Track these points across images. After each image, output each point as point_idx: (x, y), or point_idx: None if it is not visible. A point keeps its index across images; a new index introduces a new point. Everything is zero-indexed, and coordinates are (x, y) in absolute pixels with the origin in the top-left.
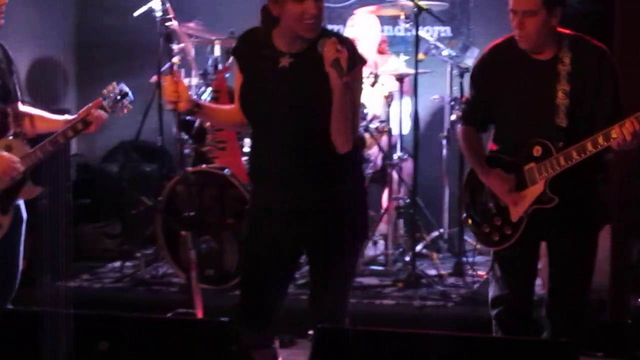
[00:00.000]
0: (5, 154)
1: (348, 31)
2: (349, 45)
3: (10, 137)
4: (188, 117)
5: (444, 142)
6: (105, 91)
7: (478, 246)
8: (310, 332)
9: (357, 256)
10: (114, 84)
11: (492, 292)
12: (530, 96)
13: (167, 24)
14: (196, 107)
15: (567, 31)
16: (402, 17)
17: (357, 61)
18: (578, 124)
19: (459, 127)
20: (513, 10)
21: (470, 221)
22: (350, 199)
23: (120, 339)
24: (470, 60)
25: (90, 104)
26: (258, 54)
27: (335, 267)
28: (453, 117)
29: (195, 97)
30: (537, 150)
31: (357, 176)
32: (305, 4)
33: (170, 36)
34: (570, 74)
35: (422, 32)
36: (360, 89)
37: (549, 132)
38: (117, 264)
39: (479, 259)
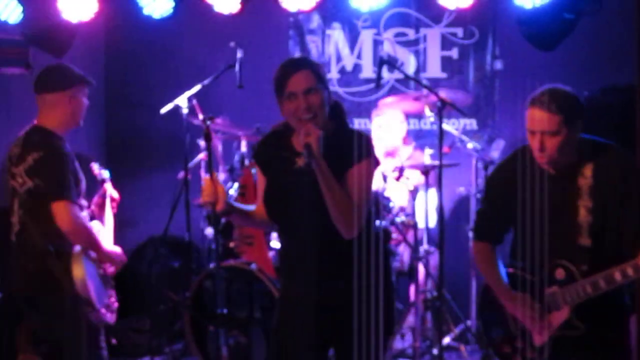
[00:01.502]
0: None
1: (374, 124)
2: (363, 140)
3: None
4: (222, 219)
5: (470, 234)
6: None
7: None
8: None
9: (383, 351)
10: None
11: None
12: (551, 213)
13: (207, 122)
14: (231, 209)
15: (589, 137)
16: (428, 112)
17: (362, 155)
18: (603, 242)
19: (472, 242)
20: (531, 131)
21: (488, 337)
22: (375, 293)
23: None
24: (495, 152)
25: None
26: (277, 156)
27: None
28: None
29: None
30: (559, 274)
31: (382, 269)
32: (297, 101)
33: (209, 134)
34: (592, 188)
35: (447, 125)
36: (364, 182)
37: (571, 252)
38: (147, 359)
39: None
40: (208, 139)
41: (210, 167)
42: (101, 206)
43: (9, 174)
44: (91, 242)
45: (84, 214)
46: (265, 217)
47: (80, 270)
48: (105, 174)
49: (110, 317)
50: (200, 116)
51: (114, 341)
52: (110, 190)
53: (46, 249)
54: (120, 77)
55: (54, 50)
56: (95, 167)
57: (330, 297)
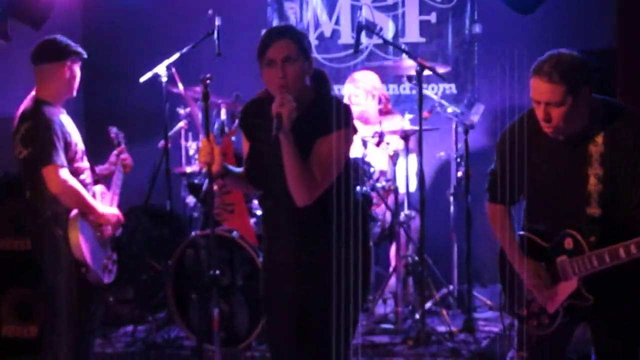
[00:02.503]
0: None
1: (347, 88)
2: (341, 108)
3: None
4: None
5: (451, 198)
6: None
7: (488, 302)
8: None
9: (356, 317)
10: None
11: None
12: (560, 181)
13: (206, 81)
14: (226, 170)
15: (600, 99)
16: (406, 76)
17: (340, 125)
18: (612, 212)
19: (487, 203)
20: (535, 101)
21: (508, 303)
22: (352, 256)
23: None
24: (475, 116)
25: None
26: (259, 123)
27: (329, 327)
28: (459, 173)
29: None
30: (568, 243)
31: (360, 235)
32: (275, 68)
33: (207, 94)
34: (603, 156)
35: (427, 91)
36: (338, 152)
37: (580, 222)
38: (130, 328)
39: (489, 314)
40: (206, 99)
41: (207, 128)
42: (114, 163)
43: (14, 144)
44: (82, 204)
45: (84, 177)
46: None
47: (75, 234)
48: (121, 137)
49: (107, 278)
50: (180, 85)
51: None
52: (124, 156)
53: (45, 214)
54: (98, 48)
55: (32, 22)
56: (113, 130)
57: (309, 259)
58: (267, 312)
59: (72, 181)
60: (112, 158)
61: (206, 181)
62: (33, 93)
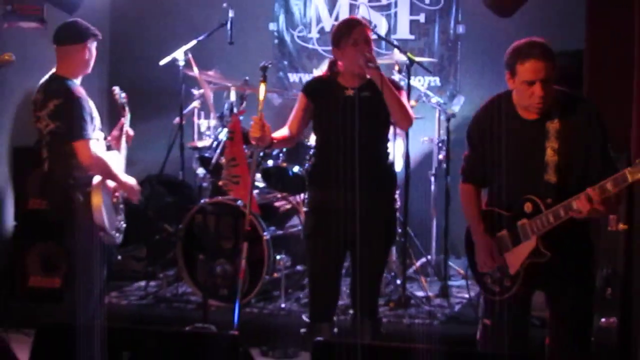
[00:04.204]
0: None
1: None
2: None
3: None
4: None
5: (432, 179)
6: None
7: (461, 271)
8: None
9: (385, 256)
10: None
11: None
12: (521, 153)
13: (266, 66)
14: (272, 142)
15: (556, 87)
16: (396, 68)
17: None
18: (567, 180)
19: (460, 183)
20: (530, 81)
21: (473, 272)
22: (391, 206)
23: (144, 351)
24: (456, 107)
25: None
26: (327, 90)
27: (375, 264)
28: (440, 156)
29: (213, 136)
30: (527, 207)
31: (394, 193)
32: (360, 45)
33: (265, 77)
34: (559, 132)
35: (414, 82)
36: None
37: (539, 188)
38: (142, 283)
39: (462, 282)
40: (264, 79)
41: (260, 109)
42: (118, 138)
43: (34, 117)
44: (109, 173)
45: (102, 146)
46: (293, 135)
47: (98, 201)
48: (123, 98)
49: (119, 239)
50: (195, 69)
51: (119, 257)
52: (127, 127)
53: (68, 182)
54: (124, 32)
55: (66, 7)
56: (116, 90)
57: (357, 204)
58: (313, 250)
59: (101, 153)
60: (115, 132)
61: (217, 154)
62: (53, 70)
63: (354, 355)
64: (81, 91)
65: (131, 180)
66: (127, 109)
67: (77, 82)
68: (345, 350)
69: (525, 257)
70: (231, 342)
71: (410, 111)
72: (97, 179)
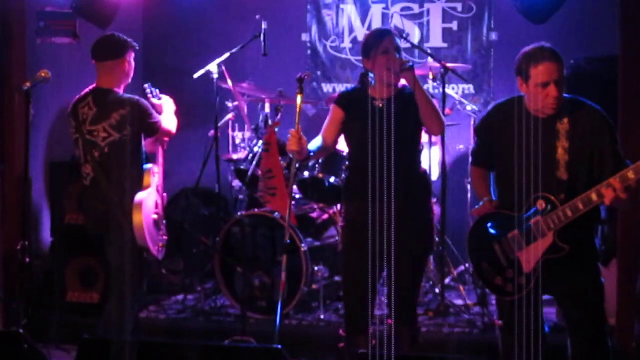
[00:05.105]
0: None
1: None
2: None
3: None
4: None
5: (469, 186)
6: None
7: None
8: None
9: (423, 268)
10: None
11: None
12: (532, 151)
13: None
14: (309, 155)
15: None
16: (431, 76)
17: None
18: (578, 177)
19: (470, 166)
20: (545, 83)
21: (480, 275)
22: (426, 215)
23: None
24: None
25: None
26: (359, 101)
27: (412, 272)
28: None
29: (248, 149)
30: (541, 205)
31: (430, 197)
32: (390, 55)
33: (302, 90)
34: (569, 132)
35: (449, 90)
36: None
37: (550, 185)
38: (180, 297)
39: None
40: (301, 91)
41: (297, 122)
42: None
43: (78, 132)
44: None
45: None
46: (328, 146)
47: (139, 219)
48: (155, 91)
49: (160, 255)
50: (229, 81)
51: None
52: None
53: (112, 198)
54: (157, 46)
55: (99, 22)
56: (147, 86)
57: (391, 216)
58: (348, 263)
59: (169, 124)
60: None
61: (252, 166)
62: (95, 85)
63: None
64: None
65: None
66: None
67: (121, 92)
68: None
69: (542, 253)
70: (275, 356)
71: (442, 116)
72: (138, 197)
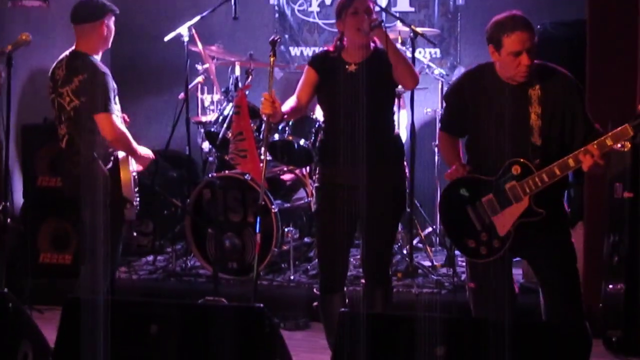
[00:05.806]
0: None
1: None
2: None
3: None
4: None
5: (436, 149)
6: None
7: None
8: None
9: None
10: None
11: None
12: (506, 117)
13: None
14: (282, 116)
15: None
16: (399, 40)
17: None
18: (551, 142)
19: (438, 131)
20: (518, 52)
21: (451, 238)
22: (400, 177)
23: (171, 324)
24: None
25: None
26: (332, 64)
27: (385, 234)
28: None
29: (218, 111)
30: (516, 170)
31: (404, 163)
32: (360, 16)
33: (275, 53)
34: (541, 98)
35: (417, 54)
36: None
37: (525, 150)
38: (150, 258)
39: None
40: (274, 54)
41: (270, 86)
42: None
43: (54, 93)
44: (130, 148)
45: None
46: (302, 106)
47: (128, 174)
48: None
49: (134, 214)
50: (199, 44)
51: (134, 234)
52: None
53: (91, 156)
54: (128, 9)
55: None
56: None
57: (365, 178)
58: (323, 224)
59: (123, 127)
60: None
61: (223, 129)
62: (74, 47)
63: (379, 324)
64: (105, 67)
65: (149, 153)
66: None
67: (98, 58)
68: (370, 319)
69: (517, 217)
70: (258, 315)
71: (415, 70)
72: (122, 153)
